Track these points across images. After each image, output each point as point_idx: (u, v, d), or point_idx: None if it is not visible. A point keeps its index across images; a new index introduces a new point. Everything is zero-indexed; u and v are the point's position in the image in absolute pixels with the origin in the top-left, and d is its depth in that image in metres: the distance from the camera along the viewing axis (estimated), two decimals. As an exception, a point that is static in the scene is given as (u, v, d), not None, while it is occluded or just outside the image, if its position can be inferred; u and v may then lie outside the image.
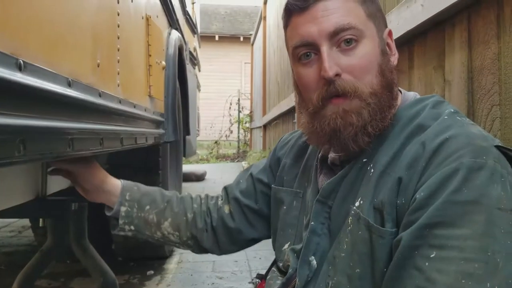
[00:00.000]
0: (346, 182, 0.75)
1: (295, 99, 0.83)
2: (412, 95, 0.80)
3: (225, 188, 1.05)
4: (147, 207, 0.98)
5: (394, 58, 0.78)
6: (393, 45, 0.79)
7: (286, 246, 0.85)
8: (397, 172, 0.66)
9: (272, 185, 0.96)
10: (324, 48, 0.71)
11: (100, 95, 1.03)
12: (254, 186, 1.00)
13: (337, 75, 0.70)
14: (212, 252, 1.01)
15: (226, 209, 1.00)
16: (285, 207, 0.89)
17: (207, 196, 1.06)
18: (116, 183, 0.99)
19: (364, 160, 0.73)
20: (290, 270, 0.80)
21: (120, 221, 0.96)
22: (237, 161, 9.95)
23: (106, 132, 1.07)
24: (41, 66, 0.70)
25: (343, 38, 0.71)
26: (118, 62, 1.26)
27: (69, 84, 0.82)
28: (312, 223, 0.77)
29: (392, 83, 0.75)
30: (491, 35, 1.11)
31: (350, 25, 0.70)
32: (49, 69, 0.73)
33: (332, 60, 0.70)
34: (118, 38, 1.25)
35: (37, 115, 0.68)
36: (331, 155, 0.80)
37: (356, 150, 0.73)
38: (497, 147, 0.64)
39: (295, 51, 0.75)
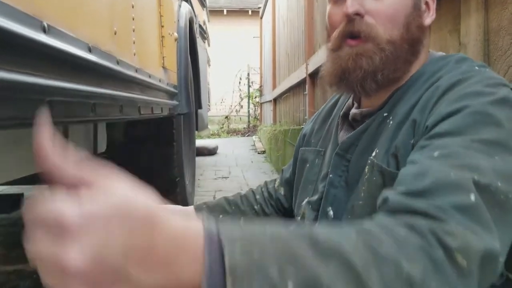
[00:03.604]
0: (366, 136, 0.75)
1: (326, 46, 0.82)
2: (438, 53, 0.80)
3: (282, 170, 1.10)
4: (220, 217, 1.02)
5: (429, 18, 0.77)
6: (433, 5, 0.78)
7: (305, 201, 0.87)
8: (413, 116, 0.67)
9: (300, 148, 0.97)
10: None
11: (118, 62, 1.04)
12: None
13: (358, 14, 0.71)
14: None
15: (281, 191, 1.05)
16: (308, 165, 0.90)
17: (266, 182, 1.11)
18: (190, 210, 1.01)
19: (385, 114, 0.74)
20: (307, 222, 0.82)
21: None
22: (247, 136, 9.97)
23: (125, 100, 1.09)
24: (64, 30, 0.71)
25: None
26: (134, 31, 1.27)
27: (90, 50, 0.84)
28: (331, 175, 0.78)
29: (417, 41, 0.75)
30: (508, -5, 1.10)
31: None
32: (71, 33, 0.75)
33: (356, 0, 0.72)
34: (133, 7, 1.26)
35: (62, 77, 0.70)
36: (353, 110, 0.81)
37: (361, 95, 0.76)
38: None
39: None
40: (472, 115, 0.58)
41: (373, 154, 0.71)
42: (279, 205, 1.05)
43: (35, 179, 1.24)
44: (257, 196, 1.07)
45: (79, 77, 0.77)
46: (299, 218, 0.88)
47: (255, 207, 1.05)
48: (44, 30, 0.64)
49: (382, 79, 0.72)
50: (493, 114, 0.57)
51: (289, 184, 1.03)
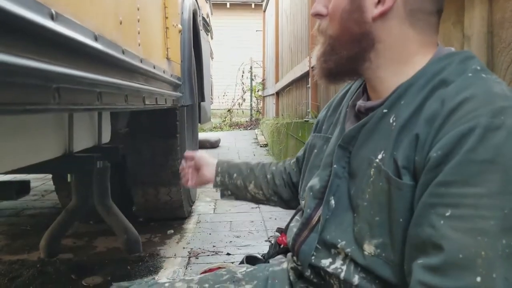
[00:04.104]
0: (365, 130, 0.77)
1: None
2: (446, 50, 0.78)
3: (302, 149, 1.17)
4: (235, 175, 1.21)
5: (377, 9, 0.73)
6: None
7: (308, 185, 0.89)
8: (416, 128, 0.67)
9: (312, 133, 1.00)
10: None
11: (123, 52, 1.05)
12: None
13: (320, 15, 0.80)
14: (292, 206, 1.15)
15: (294, 167, 1.14)
16: (316, 151, 0.92)
17: (286, 160, 1.21)
18: (214, 162, 1.25)
19: (385, 111, 0.74)
20: (307, 210, 0.83)
21: (219, 189, 1.23)
22: (250, 129, 9.98)
23: (130, 89, 1.09)
24: (70, 18, 0.72)
25: None
26: (138, 21, 1.28)
27: (96, 38, 0.84)
28: (335, 166, 0.80)
29: (360, 35, 0.75)
30: (512, -14, 1.09)
31: None
32: (78, 22, 0.75)
33: (321, 2, 0.80)
34: (138, -3, 1.27)
35: (69, 64, 0.71)
36: (359, 102, 0.82)
37: (318, 80, 0.85)
38: None
39: None
40: (478, 164, 0.58)
41: (379, 156, 0.72)
42: (288, 179, 1.15)
43: (37, 169, 1.26)
44: (273, 168, 1.19)
45: (85, 65, 0.78)
46: (303, 202, 0.90)
47: (268, 176, 1.18)
48: (52, 17, 0.64)
49: (320, 68, 0.82)
50: (499, 161, 0.58)
51: (299, 162, 1.13)
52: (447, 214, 0.58)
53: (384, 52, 0.76)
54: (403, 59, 0.75)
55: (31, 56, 0.58)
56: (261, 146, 6.97)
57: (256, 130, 9.17)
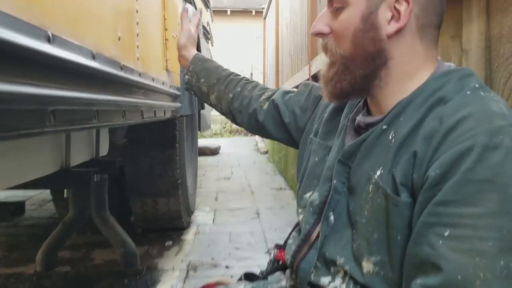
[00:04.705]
0: (364, 146, 0.77)
1: None
2: (446, 66, 0.78)
3: (277, 90, 1.19)
4: (202, 80, 1.28)
5: (393, 26, 0.73)
6: (404, 12, 0.73)
7: (308, 194, 0.89)
8: (415, 145, 0.67)
9: (311, 136, 0.99)
10: (324, 9, 0.80)
11: (121, 68, 1.05)
12: (292, 109, 1.11)
13: (321, 34, 0.80)
14: (243, 125, 1.25)
15: (264, 105, 1.15)
16: (317, 159, 0.91)
17: (256, 85, 1.24)
18: (191, 54, 1.34)
19: (384, 127, 0.74)
20: (307, 226, 0.82)
21: (185, 86, 1.35)
22: (250, 136, 9.97)
23: (128, 105, 1.09)
24: (67, 39, 0.72)
25: (333, 5, 0.77)
26: (137, 35, 1.28)
27: (93, 57, 0.84)
28: (335, 181, 0.80)
29: (375, 53, 0.74)
30: (509, 2, 1.10)
31: None
32: (75, 41, 0.75)
33: (321, 20, 0.80)
34: (137, 11, 1.27)
35: (65, 86, 0.70)
36: (359, 117, 0.82)
37: (327, 100, 0.84)
38: None
39: None
40: (477, 184, 0.58)
41: (378, 173, 0.72)
42: (251, 112, 1.17)
43: (33, 184, 1.25)
44: (238, 89, 1.24)
45: (82, 85, 0.78)
46: (300, 210, 0.90)
47: (230, 94, 1.24)
48: (49, 40, 0.64)
49: (333, 89, 0.80)
50: (497, 181, 0.58)
51: (277, 110, 1.12)
52: (446, 234, 0.58)
53: (394, 69, 0.76)
54: (410, 74, 0.76)
55: (27, 81, 0.58)
56: (261, 153, 6.97)
57: (256, 136, 9.16)
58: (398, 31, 0.73)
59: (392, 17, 0.73)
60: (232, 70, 1.33)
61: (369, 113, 0.82)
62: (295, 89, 1.17)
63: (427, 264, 0.59)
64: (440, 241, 0.58)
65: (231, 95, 1.22)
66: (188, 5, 1.30)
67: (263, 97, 1.17)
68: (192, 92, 1.35)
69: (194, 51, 1.36)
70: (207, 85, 1.28)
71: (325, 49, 0.80)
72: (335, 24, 0.77)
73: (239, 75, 1.30)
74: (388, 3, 0.73)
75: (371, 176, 0.73)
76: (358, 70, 0.76)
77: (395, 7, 0.73)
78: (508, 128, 0.62)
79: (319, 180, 0.87)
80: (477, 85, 0.70)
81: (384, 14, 0.73)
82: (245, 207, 3.52)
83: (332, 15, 0.78)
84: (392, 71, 0.76)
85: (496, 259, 0.55)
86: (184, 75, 1.35)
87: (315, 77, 3.59)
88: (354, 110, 0.87)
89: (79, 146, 1.34)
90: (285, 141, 1.15)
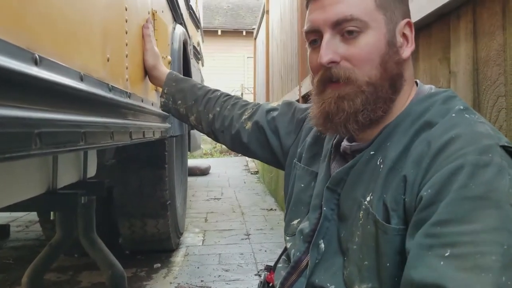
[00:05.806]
0: (353, 173, 0.76)
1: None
2: (427, 88, 0.79)
3: (258, 108, 1.15)
4: (179, 102, 1.26)
5: (408, 50, 0.77)
6: (411, 36, 0.77)
7: (295, 221, 0.88)
8: (404, 170, 0.67)
9: (295, 160, 0.98)
10: (326, 36, 0.74)
11: (110, 89, 1.04)
12: (277, 131, 1.08)
13: (333, 62, 0.73)
14: (225, 145, 1.22)
15: (247, 125, 1.13)
16: (302, 185, 0.91)
17: (236, 102, 1.20)
18: (163, 74, 1.32)
19: (372, 152, 0.74)
20: (297, 253, 0.81)
21: (161, 108, 1.32)
22: (240, 156, 9.96)
23: (116, 126, 1.08)
24: (55, 61, 0.71)
25: (345, 29, 0.73)
26: (127, 56, 1.27)
27: (81, 79, 0.84)
28: (324, 208, 0.79)
29: (398, 76, 0.75)
30: (496, 26, 1.11)
31: (353, 16, 0.72)
32: (63, 63, 0.74)
33: (330, 48, 0.73)
34: (126, 33, 1.26)
35: (52, 108, 0.69)
36: (344, 143, 0.82)
37: (345, 135, 0.79)
38: (503, 147, 0.63)
39: (306, 35, 0.79)
40: (471, 200, 0.58)
41: (368, 199, 0.71)
42: (235, 133, 1.14)
43: (18, 207, 1.23)
44: (217, 108, 1.20)
45: (70, 107, 0.77)
46: (288, 237, 0.89)
47: (210, 115, 1.20)
48: (36, 63, 0.63)
49: (363, 119, 0.74)
50: (491, 197, 0.58)
51: (261, 130, 1.09)
52: (446, 254, 0.57)
53: (403, 92, 0.77)
54: (404, 97, 0.77)
55: (13, 104, 0.57)
56: (251, 174, 6.95)
57: (246, 157, 9.15)
58: (411, 54, 0.77)
59: (407, 41, 0.77)
60: (209, 87, 1.29)
61: (352, 138, 0.82)
62: (275, 104, 1.17)
63: (428, 286, 0.57)
64: (442, 262, 0.57)
65: (211, 116, 1.19)
66: (149, 18, 1.29)
67: (244, 116, 1.14)
68: (170, 114, 1.32)
69: (165, 70, 1.33)
70: (185, 107, 1.25)
71: (343, 78, 0.73)
72: (350, 49, 0.73)
73: (217, 91, 1.26)
74: (399, 28, 0.76)
75: (361, 202, 0.72)
76: (387, 95, 0.74)
77: (403, 32, 0.76)
78: (495, 147, 0.62)
79: (306, 207, 0.86)
80: (461, 107, 0.71)
81: (398, 38, 0.76)
82: (235, 228, 3.49)
83: (343, 41, 0.74)
84: (401, 95, 0.77)
85: (500, 274, 0.54)
86: (160, 97, 1.31)
87: (305, 97, 3.60)
88: (337, 137, 0.86)
89: (67, 167, 1.32)
90: (270, 162, 1.13)
